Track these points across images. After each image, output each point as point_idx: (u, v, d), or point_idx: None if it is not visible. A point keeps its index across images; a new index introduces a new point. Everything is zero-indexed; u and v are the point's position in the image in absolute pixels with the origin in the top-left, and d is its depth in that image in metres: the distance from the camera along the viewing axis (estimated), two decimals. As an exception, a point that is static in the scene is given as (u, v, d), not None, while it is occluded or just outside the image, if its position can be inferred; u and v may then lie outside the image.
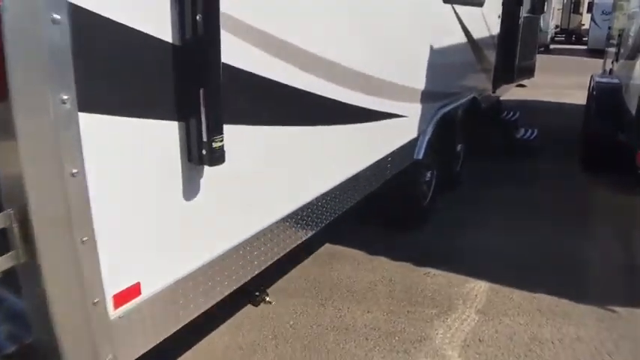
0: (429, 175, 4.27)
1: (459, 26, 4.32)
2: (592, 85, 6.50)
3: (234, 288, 2.11)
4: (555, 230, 4.28)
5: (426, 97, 3.69)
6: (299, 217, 2.38)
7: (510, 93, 8.02)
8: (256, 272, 2.21)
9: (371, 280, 3.56)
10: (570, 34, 24.92)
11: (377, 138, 3.13)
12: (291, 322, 3.10)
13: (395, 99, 3.22)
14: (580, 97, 7.93)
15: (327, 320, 3.11)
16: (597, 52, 11.92)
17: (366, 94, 2.84)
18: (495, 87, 6.16)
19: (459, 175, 5.27)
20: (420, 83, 3.58)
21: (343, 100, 2.63)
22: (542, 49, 19.71)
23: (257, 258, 2.12)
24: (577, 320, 3.09)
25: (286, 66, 2.10)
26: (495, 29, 5.73)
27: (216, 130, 1.64)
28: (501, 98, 7.31)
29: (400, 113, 3.32)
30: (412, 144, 3.63)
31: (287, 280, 3.57)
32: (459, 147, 5.13)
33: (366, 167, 3.00)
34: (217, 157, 1.66)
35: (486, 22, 5.29)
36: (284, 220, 2.28)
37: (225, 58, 1.68)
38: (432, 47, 3.66)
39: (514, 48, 6.38)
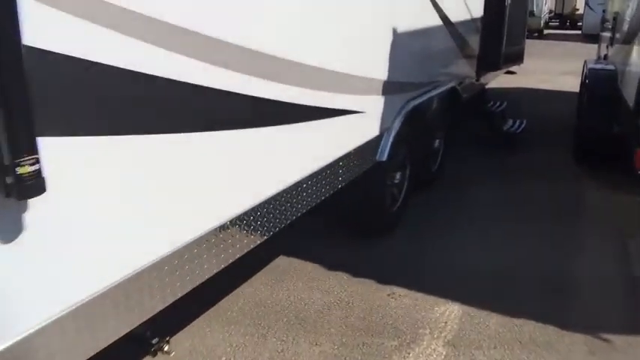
0: (398, 176, 3.76)
1: (431, 6, 3.78)
2: (585, 72, 5.98)
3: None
4: (542, 239, 3.78)
5: (389, 88, 3.17)
6: (198, 250, 1.85)
7: (498, 81, 7.51)
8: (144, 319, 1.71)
9: (325, 302, 3.06)
10: (565, 19, 24.30)
11: (320, 140, 2.61)
12: (224, 359, 2.61)
13: (345, 92, 2.70)
14: (575, 84, 7.41)
15: (265, 356, 2.62)
16: (592, 38, 11.37)
17: (302, 88, 2.32)
18: (479, 75, 5.63)
19: (438, 174, 4.77)
20: (380, 73, 3.06)
21: (266, 97, 2.09)
22: (535, 34, 19.21)
23: (132, 309, 1.60)
24: (564, 354, 2.60)
25: (164, 53, 1.56)
26: (478, 11, 5.19)
27: (23, 149, 1.12)
28: (488, 86, 6.82)
29: (353, 109, 2.80)
30: (373, 144, 3.12)
31: (228, 302, 3.07)
32: (437, 142, 4.62)
33: (307, 176, 2.48)
34: (29, 187, 1.14)
35: (466, 3, 4.75)
36: (163, 262, 1.71)
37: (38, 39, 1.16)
38: (395, 31, 3.13)
39: (500, 32, 5.84)
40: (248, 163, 2.10)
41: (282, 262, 3.52)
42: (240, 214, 2.04)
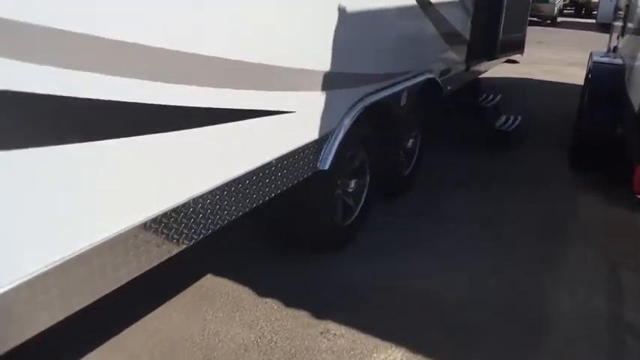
0: (353, 184, 3.19)
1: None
2: (589, 64, 5.31)
3: None
4: (520, 266, 3.18)
5: (333, 82, 2.58)
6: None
7: (495, 70, 6.85)
8: None
9: (243, 340, 2.52)
10: (580, 7, 23.32)
11: (226, 147, 2.04)
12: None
13: (263, 89, 2.12)
14: (582, 77, 6.74)
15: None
16: (606, 27, 10.61)
17: (197, 86, 1.75)
18: (470, 64, 4.99)
19: (412, 178, 4.19)
20: (317, 63, 2.46)
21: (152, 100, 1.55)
22: (548, 21, 18.38)
23: None
24: None
25: None
26: (468, -10, 4.55)
27: None
28: (483, 76, 6.18)
29: (277, 109, 2.22)
30: (309, 150, 2.54)
31: (132, 332, 2.55)
32: (409, 143, 4.03)
33: (216, 187, 1.93)
34: None
35: (453, -21, 4.12)
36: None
37: None
38: (342, 9, 2.52)
39: (497, 16, 5.20)
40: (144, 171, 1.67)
41: (207, 282, 2.98)
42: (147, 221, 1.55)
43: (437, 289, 2.92)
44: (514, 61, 7.39)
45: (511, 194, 4.19)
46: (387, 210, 3.77)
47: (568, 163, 4.83)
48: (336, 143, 2.70)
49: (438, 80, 4.13)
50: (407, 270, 3.09)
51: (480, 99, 5.62)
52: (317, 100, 2.48)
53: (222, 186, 2.03)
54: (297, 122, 2.37)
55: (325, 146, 2.65)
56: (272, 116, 2.21)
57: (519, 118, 5.58)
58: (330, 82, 2.55)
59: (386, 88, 3.15)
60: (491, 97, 5.69)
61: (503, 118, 5.60)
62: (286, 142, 2.33)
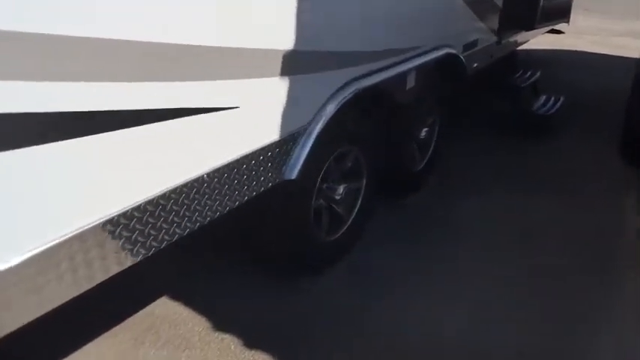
0: (342, 191, 2.53)
1: None
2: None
3: None
4: (551, 309, 2.48)
5: (297, 64, 1.89)
6: None
7: (535, 42, 5.94)
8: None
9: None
10: (636, -31, 21.33)
11: (122, 164, 1.42)
12: None
13: (187, 78, 1.48)
14: (635, 49, 5.76)
15: None
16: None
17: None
18: (503, 35, 4.17)
19: (425, 175, 3.48)
20: (270, 40, 1.77)
21: None
22: (598, -15, 16.73)
23: None
24: None
25: None
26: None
27: None
28: (520, 49, 5.32)
29: (211, 105, 1.57)
30: (267, 156, 1.88)
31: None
32: (422, 133, 3.31)
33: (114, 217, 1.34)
34: None
35: None
36: None
37: None
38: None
39: (538, -23, 4.34)
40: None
41: (159, 309, 2.40)
42: None
43: (429, 339, 2.26)
44: (558, 32, 6.40)
45: (545, 200, 3.40)
46: (385, 221, 3.09)
47: (620, 157, 4.00)
48: (308, 145, 2.03)
49: (461, 56, 3.37)
50: (398, 306, 2.43)
51: (516, 76, 4.79)
52: (271, 90, 1.81)
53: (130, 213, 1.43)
54: (241, 121, 1.72)
55: (292, 149, 1.99)
56: (200, 116, 1.57)
57: (562, 99, 4.72)
58: (293, 65, 1.87)
59: (383, 69, 2.44)
60: (528, 74, 4.83)
61: (543, 98, 4.76)
62: (223, 148, 1.69)
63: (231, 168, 1.72)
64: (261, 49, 1.72)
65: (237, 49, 1.64)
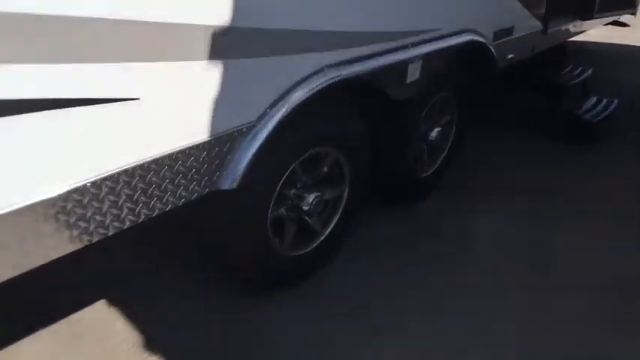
0: (312, 200, 2.10)
1: None
2: None
3: None
4: None
5: (239, 43, 1.46)
6: None
7: (591, 35, 5.19)
8: None
9: None
10: None
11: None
12: None
13: (70, 59, 1.09)
14: None
15: None
16: None
17: None
18: (550, 23, 3.55)
19: (434, 180, 2.99)
20: (191, 12, 1.35)
21: None
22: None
23: None
24: None
25: None
26: None
27: None
28: (571, 40, 4.63)
29: (100, 95, 1.18)
30: (191, 161, 1.48)
31: None
32: (433, 133, 2.80)
33: None
34: None
35: None
36: None
37: None
38: None
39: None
40: None
41: (90, 314, 2.10)
42: None
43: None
44: (622, 24, 5.58)
45: (575, 226, 2.84)
46: (372, 238, 2.64)
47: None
48: (253, 147, 1.60)
49: (489, 45, 2.82)
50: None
51: (563, 72, 4.14)
52: (190, 79, 1.38)
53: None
54: (143, 118, 1.31)
55: (228, 153, 1.57)
56: (77, 110, 1.17)
57: (615, 102, 4.05)
58: (229, 46, 1.43)
59: (373, 56, 1.96)
60: (578, 70, 4.17)
61: (593, 100, 4.10)
62: (112, 153, 1.29)
63: (126, 177, 1.33)
64: (177, 24, 1.30)
65: (137, 22, 1.23)
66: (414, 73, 2.22)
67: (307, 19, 1.67)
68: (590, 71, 4.15)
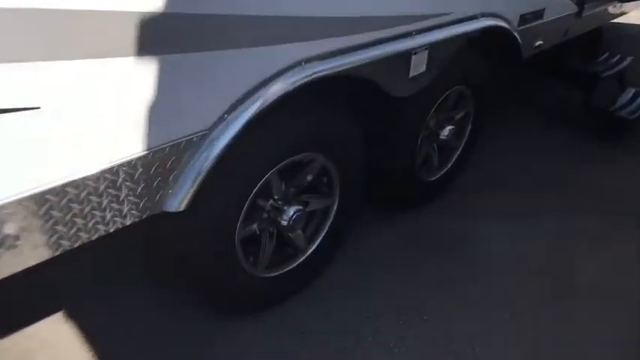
0: (291, 214, 1.79)
1: None
2: None
3: None
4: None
5: (176, 34, 1.14)
6: None
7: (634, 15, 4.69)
8: None
9: None
10: None
11: None
12: None
13: None
14: None
15: None
16: None
17: None
18: (586, 6, 3.12)
19: (442, 185, 2.64)
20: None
21: None
22: None
23: None
24: None
25: None
26: None
27: None
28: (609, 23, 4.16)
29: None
30: (121, 180, 1.19)
31: None
32: (445, 132, 2.45)
33: None
34: None
35: None
36: None
37: None
38: None
39: None
40: None
41: (43, 331, 1.87)
42: None
43: None
44: (669, 4, 5.05)
45: (600, 245, 2.48)
46: (369, 246, 2.33)
47: None
48: (206, 161, 1.30)
49: (513, 31, 2.44)
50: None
51: (598, 61, 3.70)
52: (116, 77, 1.08)
53: None
54: (50, 130, 1.02)
55: (174, 170, 1.28)
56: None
57: (657, 95, 3.61)
58: (161, 35, 1.12)
59: (364, 46, 1.62)
60: (615, 58, 3.72)
61: (630, 93, 3.66)
62: (18, 175, 1.01)
63: (35, 204, 1.05)
64: (91, 12, 1.00)
65: (34, 10, 0.93)
66: (418, 66, 1.87)
67: (276, 2, 1.34)
68: (628, 60, 3.69)
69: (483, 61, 2.50)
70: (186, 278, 1.73)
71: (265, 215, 1.78)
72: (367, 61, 1.61)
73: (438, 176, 2.57)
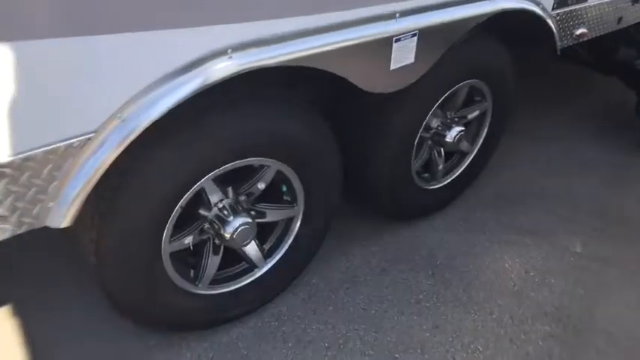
0: (237, 227, 1.52)
1: None
2: None
3: None
4: None
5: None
6: None
7: None
8: None
9: None
10: None
11: None
12: None
13: None
14: None
15: None
16: None
17: None
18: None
19: (444, 195, 2.27)
20: None
21: None
22: None
23: None
24: None
25: None
26: None
27: None
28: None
29: None
30: None
31: None
32: (452, 134, 2.07)
33: None
34: None
35: None
36: None
37: None
38: None
39: None
40: None
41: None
42: None
43: None
44: None
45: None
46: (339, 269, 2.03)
47: None
48: (93, 168, 1.07)
49: (545, 16, 2.02)
50: None
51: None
52: None
53: None
54: None
55: (53, 179, 1.05)
56: None
57: None
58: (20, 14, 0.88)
59: (317, 32, 1.30)
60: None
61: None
62: None
63: None
64: None
65: None
66: (403, 56, 1.53)
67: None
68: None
69: (506, 50, 2.12)
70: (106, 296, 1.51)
71: (207, 226, 1.53)
72: (321, 50, 1.30)
73: (440, 185, 2.21)
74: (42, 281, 1.88)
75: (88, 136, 1.06)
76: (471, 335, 1.76)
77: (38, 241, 1.61)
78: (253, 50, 1.19)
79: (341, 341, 1.71)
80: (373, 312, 1.83)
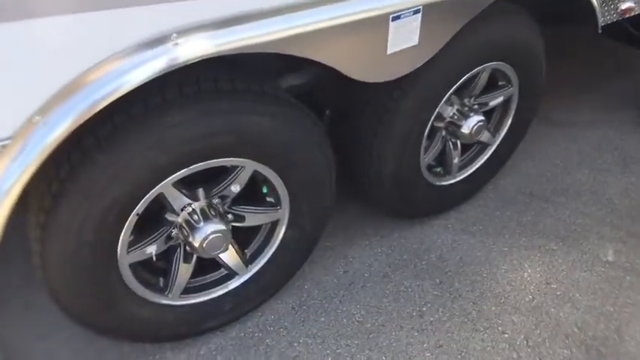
0: (208, 234, 1.34)
1: None
2: None
3: None
4: None
5: None
6: None
7: None
8: None
9: None
10: None
11: None
12: None
13: None
14: None
15: None
16: None
17: None
18: None
19: (457, 192, 2.03)
20: None
21: None
22: None
23: None
24: None
25: None
26: None
27: None
28: None
29: None
30: None
31: None
32: (471, 123, 1.80)
33: None
34: None
35: None
36: None
37: None
38: None
39: None
40: None
41: None
42: None
43: None
44: None
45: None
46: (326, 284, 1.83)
47: None
48: (10, 180, 0.91)
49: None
50: None
51: None
52: None
53: None
54: None
55: None
56: None
57: None
58: None
59: (283, 12, 1.07)
60: None
61: None
62: None
63: None
64: None
65: None
66: (403, 37, 1.29)
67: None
68: None
69: (537, 27, 1.83)
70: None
71: (176, 232, 1.36)
72: (293, 32, 1.07)
73: (455, 180, 1.97)
74: (21, 280, 1.78)
75: (5, 141, 0.89)
76: (479, 358, 1.55)
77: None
78: (201, 34, 0.98)
79: (329, 359, 1.55)
80: (369, 325, 1.64)
